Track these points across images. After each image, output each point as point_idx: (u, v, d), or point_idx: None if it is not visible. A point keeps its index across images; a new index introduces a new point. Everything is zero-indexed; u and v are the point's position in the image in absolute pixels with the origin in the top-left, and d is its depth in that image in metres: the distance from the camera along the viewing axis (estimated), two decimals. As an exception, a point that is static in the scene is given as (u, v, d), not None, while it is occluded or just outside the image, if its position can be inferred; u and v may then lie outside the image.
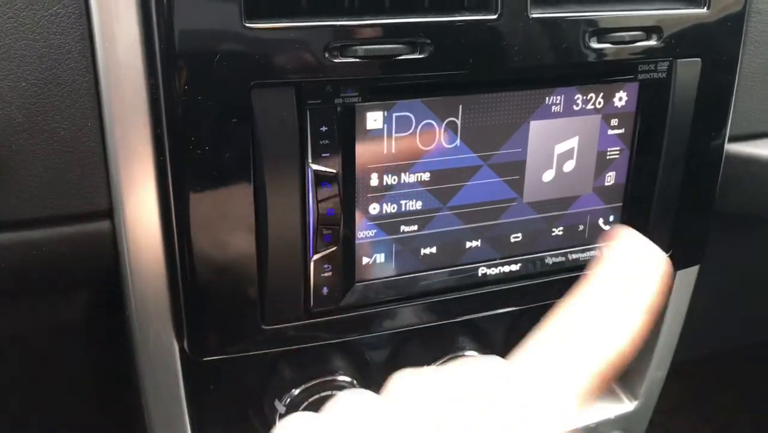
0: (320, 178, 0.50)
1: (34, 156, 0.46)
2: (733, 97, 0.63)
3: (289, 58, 0.46)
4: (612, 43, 0.55)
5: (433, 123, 0.53)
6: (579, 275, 0.61)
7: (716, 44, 0.59)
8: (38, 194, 0.47)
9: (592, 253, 0.62)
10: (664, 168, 0.61)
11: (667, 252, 0.65)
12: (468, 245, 0.58)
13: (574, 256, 0.62)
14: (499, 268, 0.59)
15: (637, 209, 0.63)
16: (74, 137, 0.47)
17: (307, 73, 0.47)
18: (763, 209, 0.78)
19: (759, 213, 0.80)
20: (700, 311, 0.80)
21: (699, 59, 0.59)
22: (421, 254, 0.57)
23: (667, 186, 0.62)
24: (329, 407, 0.32)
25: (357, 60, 0.47)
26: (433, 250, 0.57)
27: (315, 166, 0.49)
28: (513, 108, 0.55)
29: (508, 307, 0.62)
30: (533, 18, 0.51)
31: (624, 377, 0.82)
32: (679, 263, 0.67)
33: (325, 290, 0.53)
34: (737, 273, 0.93)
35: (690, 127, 0.61)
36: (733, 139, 0.69)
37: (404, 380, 0.34)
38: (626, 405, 0.81)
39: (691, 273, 0.75)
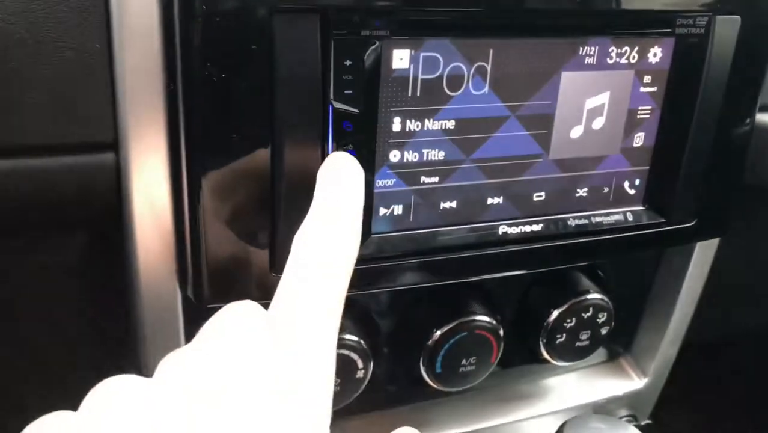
0: (341, 117, 0.47)
1: (37, 77, 0.43)
2: (765, 61, 0.61)
3: (316, -18, 0.43)
4: (650, -5, 0.52)
5: (462, 66, 0.50)
6: (601, 240, 0.59)
7: (757, 2, 0.56)
8: (39, 119, 0.44)
9: (616, 217, 0.60)
10: (695, 133, 0.58)
11: (691, 221, 0.62)
12: (489, 201, 0.55)
13: (598, 219, 0.59)
14: (520, 227, 0.56)
15: (664, 174, 0.60)
16: (80, 59, 0.44)
17: (334, -1, 0.43)
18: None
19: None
20: (717, 293, 0.78)
21: (738, 17, 0.56)
22: (441, 208, 0.54)
23: (696, 152, 0.59)
24: (88, 398, 0.30)
25: (387, -11, 0.44)
26: (453, 204, 0.54)
27: (337, 104, 0.46)
28: (545, 57, 0.52)
29: (527, 269, 0.59)
30: (573, -42, 0.48)
31: (634, 353, 0.80)
32: (703, 233, 0.65)
33: (339, 239, 0.50)
34: (759, 253, 0.90)
35: (724, 90, 0.58)
36: (762, 109, 0.67)
37: (170, 365, 0.32)
38: (636, 382, 0.79)
39: (710, 249, 0.73)
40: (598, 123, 0.56)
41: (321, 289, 0.36)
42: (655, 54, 0.56)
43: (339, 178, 0.43)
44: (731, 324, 1.03)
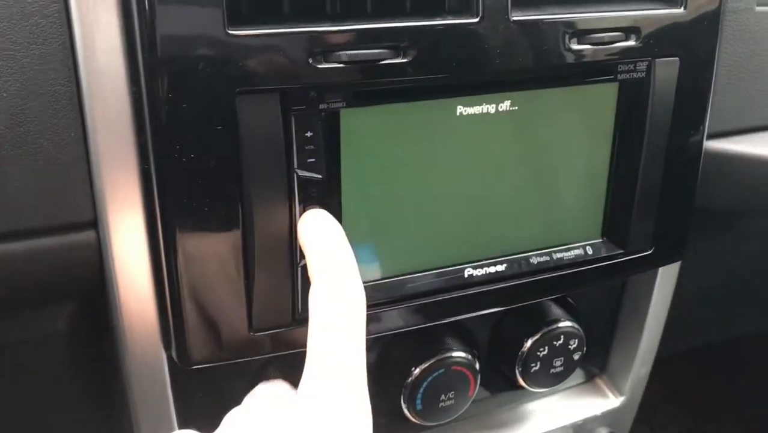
0: (306, 184, 0.50)
1: (17, 167, 0.46)
2: (711, 95, 0.64)
3: (273, 65, 0.46)
4: (591, 44, 0.55)
5: (418, 126, 0.53)
6: (563, 274, 0.62)
7: (693, 43, 0.60)
8: (22, 206, 0.47)
9: (576, 252, 0.63)
10: (645, 166, 0.62)
11: (649, 249, 0.66)
12: (454, 246, 0.58)
13: (558, 255, 0.62)
14: (485, 269, 0.59)
15: (620, 208, 0.63)
16: (57, 147, 0.47)
17: (292, 79, 0.47)
18: (742, 204, 0.79)
19: (738, 208, 0.81)
20: (683, 307, 0.82)
21: (677, 58, 0.60)
22: (408, 256, 0.57)
23: (648, 184, 0.63)
24: None
25: (341, 65, 0.47)
26: (420, 252, 0.57)
27: (301, 172, 0.49)
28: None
29: (494, 307, 0.62)
30: (514, 20, 0.51)
31: (609, 373, 0.83)
32: (662, 259, 0.68)
33: (312, 295, 0.53)
34: (718, 268, 0.94)
35: (669, 125, 0.61)
36: (711, 136, 0.71)
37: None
38: (612, 401, 0.82)
39: (673, 269, 0.76)
40: (553, 166, 0.60)
41: (349, 349, 0.41)
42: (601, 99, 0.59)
43: (325, 238, 0.47)
44: (702, 334, 1.07)
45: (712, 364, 1.38)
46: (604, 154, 0.62)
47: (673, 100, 0.61)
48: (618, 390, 0.82)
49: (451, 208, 0.57)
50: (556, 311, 0.72)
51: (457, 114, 0.54)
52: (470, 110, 0.54)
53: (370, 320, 0.56)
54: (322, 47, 0.47)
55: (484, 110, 0.54)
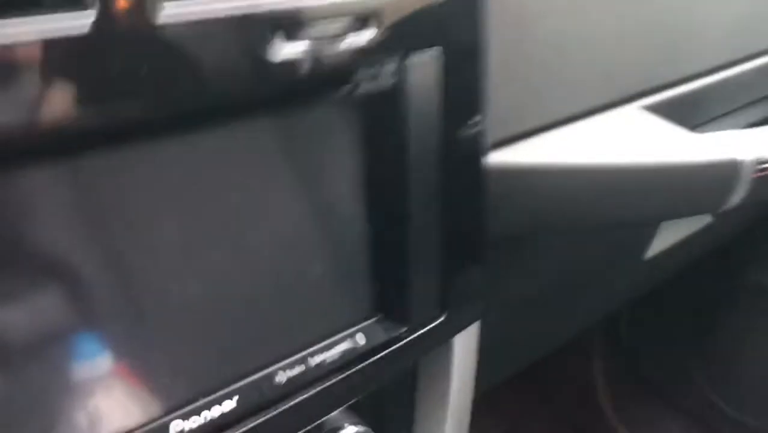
0: None
1: None
2: (483, 95, 0.48)
3: None
4: (309, 40, 0.36)
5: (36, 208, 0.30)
6: (330, 385, 0.43)
7: (451, 30, 0.43)
8: None
9: (344, 345, 0.43)
10: (414, 208, 0.44)
11: (440, 316, 0.48)
12: (157, 391, 0.36)
13: (319, 358, 0.42)
14: (204, 414, 0.37)
15: (392, 271, 0.45)
16: None
17: None
18: (532, 224, 0.65)
19: (528, 229, 0.67)
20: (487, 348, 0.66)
21: (440, 47, 0.42)
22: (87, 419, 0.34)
23: (421, 231, 0.45)
24: None
25: None
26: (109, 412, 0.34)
27: None
28: (178, 160, 0.34)
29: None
30: (166, 25, 0.30)
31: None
32: (458, 324, 0.51)
33: None
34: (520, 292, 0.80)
35: (438, 146, 0.44)
36: (495, 146, 0.55)
37: None
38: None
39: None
40: (286, 230, 0.39)
41: None
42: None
43: None
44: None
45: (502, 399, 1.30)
46: (358, 202, 0.43)
47: (436, 109, 0.43)
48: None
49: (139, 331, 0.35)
50: (336, 415, 0.53)
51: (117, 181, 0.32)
52: (129, 176, 0.32)
53: None
54: None
55: (152, 173, 0.33)
